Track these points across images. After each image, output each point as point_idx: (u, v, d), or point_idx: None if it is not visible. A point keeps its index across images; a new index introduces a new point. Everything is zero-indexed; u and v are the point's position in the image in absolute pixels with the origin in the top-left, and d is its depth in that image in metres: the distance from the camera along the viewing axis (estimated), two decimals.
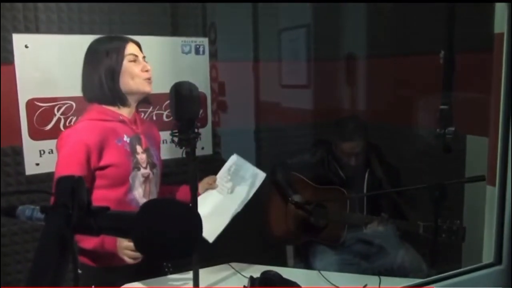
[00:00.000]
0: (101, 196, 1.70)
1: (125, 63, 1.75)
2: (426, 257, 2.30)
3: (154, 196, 1.87)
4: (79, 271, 1.75)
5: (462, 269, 1.43)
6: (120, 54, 1.75)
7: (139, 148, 1.81)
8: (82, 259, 1.79)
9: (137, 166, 1.78)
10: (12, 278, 2.39)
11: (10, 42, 2.27)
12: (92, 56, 1.78)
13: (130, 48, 1.78)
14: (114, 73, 1.74)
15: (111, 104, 1.78)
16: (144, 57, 1.83)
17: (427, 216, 2.06)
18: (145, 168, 1.82)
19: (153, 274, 1.82)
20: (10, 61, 2.28)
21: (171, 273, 1.92)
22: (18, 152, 2.37)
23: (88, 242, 1.70)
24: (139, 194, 1.80)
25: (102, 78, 1.74)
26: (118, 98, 1.77)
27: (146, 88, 1.79)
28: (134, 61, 1.77)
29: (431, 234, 2.03)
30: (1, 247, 2.33)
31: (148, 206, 0.74)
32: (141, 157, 1.81)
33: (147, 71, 1.79)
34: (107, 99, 1.77)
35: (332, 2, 3.08)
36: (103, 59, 1.75)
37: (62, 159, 1.68)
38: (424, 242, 2.21)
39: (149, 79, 1.79)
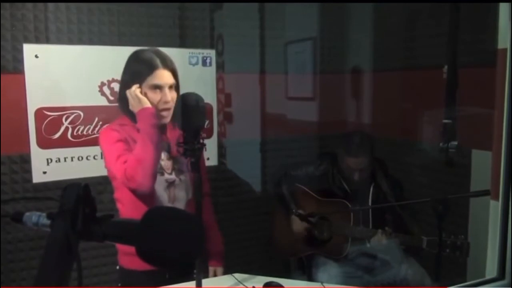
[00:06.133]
0: (129, 199, 1.76)
1: (144, 90, 1.77)
2: (430, 271, 2.29)
3: (180, 202, 1.87)
4: (117, 267, 1.89)
5: (465, 284, 1.43)
6: (141, 80, 1.77)
7: (163, 155, 1.83)
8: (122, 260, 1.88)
9: (160, 171, 1.80)
10: (17, 284, 2.40)
11: (20, 51, 2.32)
12: (125, 69, 1.84)
13: (158, 77, 1.77)
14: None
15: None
16: (172, 85, 1.80)
17: (431, 230, 2.05)
18: (170, 174, 1.84)
19: (183, 279, 1.80)
20: (20, 71, 2.32)
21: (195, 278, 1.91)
22: (26, 160, 2.39)
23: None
24: (164, 199, 1.82)
25: (123, 98, 1.81)
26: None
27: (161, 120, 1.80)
28: (156, 91, 1.78)
29: (434, 249, 2.02)
30: (6, 253, 2.35)
31: (151, 214, 0.76)
32: (166, 163, 1.84)
33: (165, 102, 1.78)
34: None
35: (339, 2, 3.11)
36: (128, 79, 1.80)
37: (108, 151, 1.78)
38: (428, 256, 2.21)
39: (166, 110, 1.79)
